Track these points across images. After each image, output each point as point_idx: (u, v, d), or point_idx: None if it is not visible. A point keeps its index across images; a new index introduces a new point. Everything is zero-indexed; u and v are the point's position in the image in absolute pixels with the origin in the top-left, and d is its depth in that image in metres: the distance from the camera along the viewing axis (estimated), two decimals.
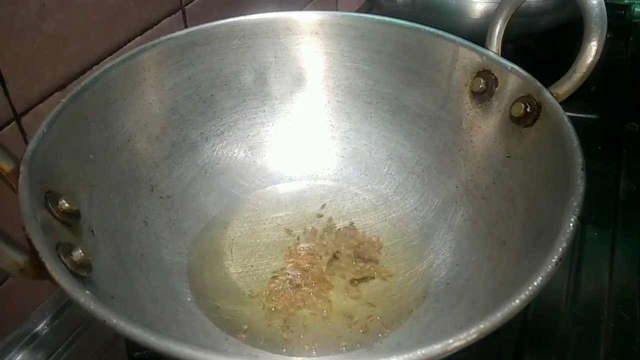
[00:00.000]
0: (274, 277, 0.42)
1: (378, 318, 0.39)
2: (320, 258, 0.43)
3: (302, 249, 0.44)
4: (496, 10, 0.44)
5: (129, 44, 0.50)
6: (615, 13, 0.77)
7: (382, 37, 0.47)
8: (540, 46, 0.72)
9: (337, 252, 0.43)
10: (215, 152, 0.48)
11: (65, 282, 0.26)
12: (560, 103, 0.38)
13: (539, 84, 0.39)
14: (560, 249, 0.28)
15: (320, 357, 0.37)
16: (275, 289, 0.41)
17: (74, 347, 0.42)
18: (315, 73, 0.50)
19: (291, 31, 0.48)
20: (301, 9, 0.78)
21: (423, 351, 0.24)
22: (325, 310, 0.39)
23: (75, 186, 0.36)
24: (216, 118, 0.48)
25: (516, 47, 0.62)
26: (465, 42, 0.44)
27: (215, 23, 0.47)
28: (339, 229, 0.45)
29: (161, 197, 0.44)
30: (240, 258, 0.43)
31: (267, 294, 0.40)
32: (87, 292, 0.26)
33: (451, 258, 0.42)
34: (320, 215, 0.47)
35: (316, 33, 0.49)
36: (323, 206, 0.48)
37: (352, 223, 0.46)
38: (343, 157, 0.51)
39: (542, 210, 0.35)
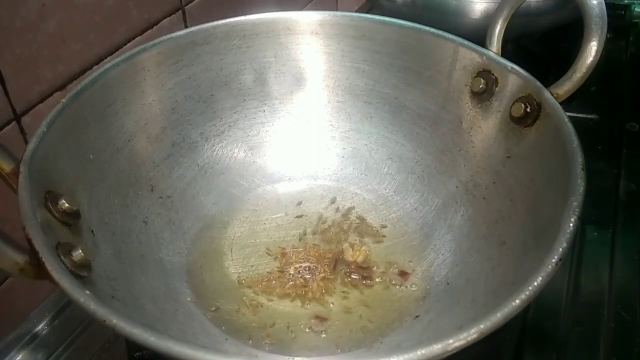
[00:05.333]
0: (273, 277, 0.41)
1: (378, 318, 0.39)
2: (320, 258, 0.43)
3: (302, 249, 0.44)
4: (496, 10, 0.44)
5: (129, 44, 0.50)
6: (615, 13, 0.77)
7: (382, 37, 0.47)
8: (540, 46, 0.72)
9: (337, 252, 0.43)
10: (215, 152, 0.48)
11: (65, 282, 0.26)
12: (560, 103, 0.38)
13: (539, 84, 0.39)
14: (560, 249, 0.28)
15: (321, 357, 0.37)
16: (275, 289, 0.41)
17: (74, 347, 0.42)
18: (315, 73, 0.50)
19: (291, 31, 0.48)
20: (301, 9, 0.78)
21: (423, 351, 0.24)
22: (325, 310, 0.39)
23: (75, 186, 0.36)
24: (216, 118, 0.48)
25: (516, 47, 0.62)
26: (465, 42, 0.44)
27: (215, 23, 0.47)
28: (339, 229, 0.45)
29: (161, 197, 0.44)
30: (240, 258, 0.43)
31: (267, 294, 0.40)
32: (87, 292, 0.26)
33: (451, 258, 0.42)
34: (320, 216, 0.47)
35: (316, 33, 0.49)
36: (323, 206, 0.48)
37: (352, 223, 0.46)
38: (343, 157, 0.51)
39: (542, 210, 0.35)
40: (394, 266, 0.42)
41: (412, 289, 0.41)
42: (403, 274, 0.42)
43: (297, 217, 0.47)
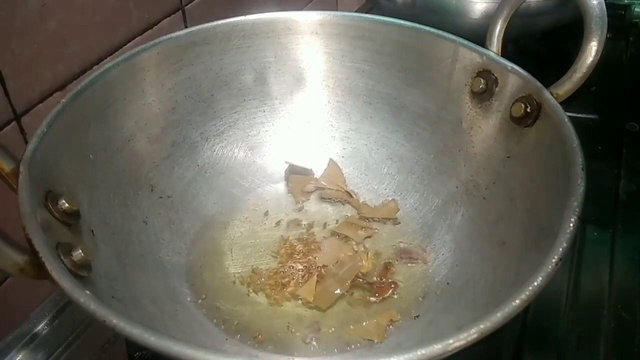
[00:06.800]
0: (274, 277, 0.41)
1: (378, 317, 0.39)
2: (321, 258, 0.43)
3: (302, 249, 0.44)
4: (496, 10, 0.44)
5: (129, 44, 0.50)
6: (615, 13, 0.77)
7: (382, 37, 0.47)
8: (540, 46, 0.72)
9: (339, 252, 0.43)
10: (215, 152, 0.48)
11: (65, 282, 0.26)
12: (560, 103, 0.38)
13: (539, 84, 0.39)
14: (560, 249, 0.28)
15: (321, 357, 0.37)
16: (275, 289, 0.41)
17: (74, 347, 0.42)
18: (315, 73, 0.50)
19: (291, 31, 0.48)
20: (301, 9, 0.78)
21: (423, 351, 0.24)
22: (325, 310, 0.39)
23: (75, 186, 0.36)
24: (216, 118, 0.48)
25: (516, 47, 0.62)
26: (465, 42, 0.44)
27: (215, 23, 0.47)
28: (339, 229, 0.45)
29: (161, 197, 0.44)
30: (240, 258, 0.43)
31: (267, 294, 0.40)
32: (87, 292, 0.26)
33: (451, 258, 0.42)
34: (320, 215, 0.47)
35: (316, 33, 0.49)
36: (323, 206, 0.48)
37: (352, 224, 0.46)
38: (343, 157, 0.51)
39: (542, 210, 0.35)
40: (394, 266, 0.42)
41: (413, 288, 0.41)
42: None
43: (297, 217, 0.47)
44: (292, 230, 0.46)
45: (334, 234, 0.45)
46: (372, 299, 0.40)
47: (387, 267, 0.42)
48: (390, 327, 0.38)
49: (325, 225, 0.46)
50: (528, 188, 0.38)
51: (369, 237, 0.45)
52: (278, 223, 0.46)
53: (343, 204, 0.48)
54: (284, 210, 0.47)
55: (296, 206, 0.48)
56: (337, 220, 0.46)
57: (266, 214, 0.47)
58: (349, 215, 0.47)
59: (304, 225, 0.46)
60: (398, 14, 0.50)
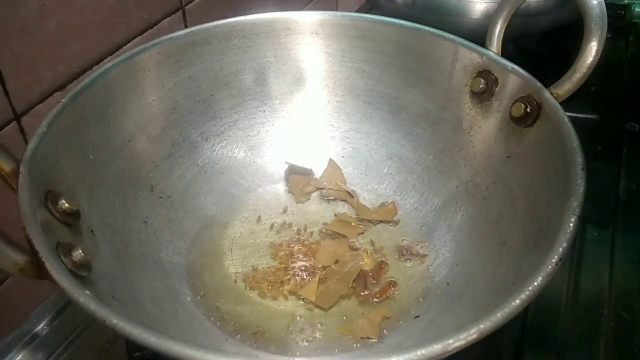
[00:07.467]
0: (273, 277, 0.41)
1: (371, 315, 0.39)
2: (320, 258, 0.43)
3: (302, 249, 0.44)
4: (496, 10, 0.44)
5: (129, 44, 0.50)
6: (615, 13, 0.77)
7: (382, 37, 0.47)
8: (540, 46, 0.72)
9: (337, 252, 0.43)
10: (215, 152, 0.48)
11: (65, 282, 0.26)
12: (560, 103, 0.38)
13: (539, 84, 0.39)
14: (560, 249, 0.28)
15: (321, 357, 0.37)
16: (275, 289, 0.41)
17: (74, 347, 0.42)
18: (315, 73, 0.50)
19: (291, 31, 0.48)
20: (301, 9, 0.78)
21: (423, 351, 0.24)
22: (327, 309, 0.39)
23: (75, 186, 0.36)
24: (216, 118, 0.48)
25: (516, 47, 0.62)
26: (465, 42, 0.44)
27: (215, 23, 0.47)
28: (339, 229, 0.45)
29: (161, 197, 0.44)
30: (240, 258, 0.43)
31: (266, 294, 0.40)
32: (87, 292, 0.26)
33: (451, 258, 0.42)
34: (320, 216, 0.47)
35: (316, 33, 0.49)
36: (323, 206, 0.48)
37: (351, 224, 0.46)
38: (343, 157, 0.51)
39: (542, 210, 0.35)
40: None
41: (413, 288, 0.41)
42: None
43: (297, 217, 0.47)
44: (291, 230, 0.46)
45: (328, 232, 0.45)
46: (374, 299, 0.40)
47: (380, 266, 0.42)
48: (385, 331, 0.38)
49: (324, 225, 0.46)
50: (528, 188, 0.38)
51: (361, 233, 0.45)
52: (278, 223, 0.46)
53: (343, 204, 0.48)
54: (283, 210, 0.47)
55: (296, 206, 0.48)
56: (333, 220, 0.46)
57: (266, 214, 0.47)
58: (343, 213, 0.47)
59: (304, 225, 0.46)
60: (398, 14, 0.50)
